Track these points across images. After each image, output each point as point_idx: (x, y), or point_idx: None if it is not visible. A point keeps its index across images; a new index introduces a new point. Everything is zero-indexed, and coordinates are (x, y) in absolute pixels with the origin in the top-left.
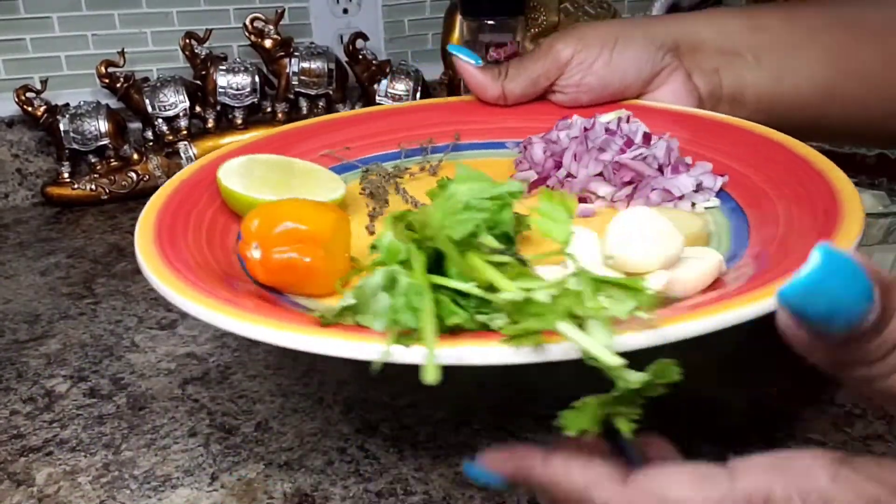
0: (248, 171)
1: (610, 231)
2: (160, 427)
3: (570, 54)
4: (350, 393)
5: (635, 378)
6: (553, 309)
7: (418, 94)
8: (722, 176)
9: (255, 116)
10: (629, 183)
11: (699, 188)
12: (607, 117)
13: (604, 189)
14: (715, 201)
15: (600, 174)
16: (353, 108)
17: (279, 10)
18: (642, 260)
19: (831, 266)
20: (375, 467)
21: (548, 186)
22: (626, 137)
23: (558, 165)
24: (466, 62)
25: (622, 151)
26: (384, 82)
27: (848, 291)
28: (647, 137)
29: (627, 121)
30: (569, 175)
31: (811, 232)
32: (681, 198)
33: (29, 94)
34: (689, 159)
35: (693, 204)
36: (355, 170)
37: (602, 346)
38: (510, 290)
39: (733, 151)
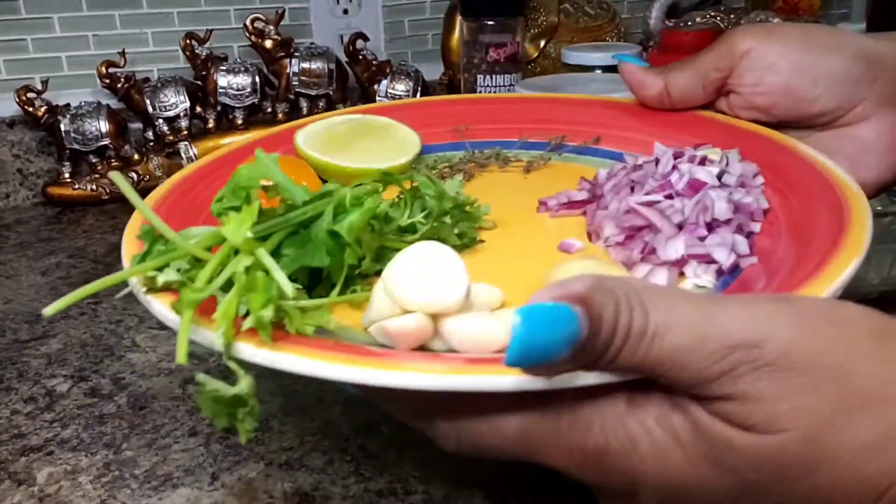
0: (326, 135)
1: (396, 258)
2: (161, 427)
3: (749, 46)
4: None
5: (240, 385)
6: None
7: (418, 95)
8: (748, 256)
9: (255, 117)
10: (638, 230)
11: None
12: (712, 154)
13: (608, 230)
14: (708, 280)
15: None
16: None
17: (279, 11)
18: (404, 295)
19: (533, 323)
20: (375, 467)
21: (582, 213)
22: (665, 180)
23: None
24: (628, 63)
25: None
26: (384, 83)
27: (556, 329)
28: (695, 185)
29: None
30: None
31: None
32: (677, 263)
33: (30, 95)
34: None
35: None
36: (462, 150)
37: (220, 340)
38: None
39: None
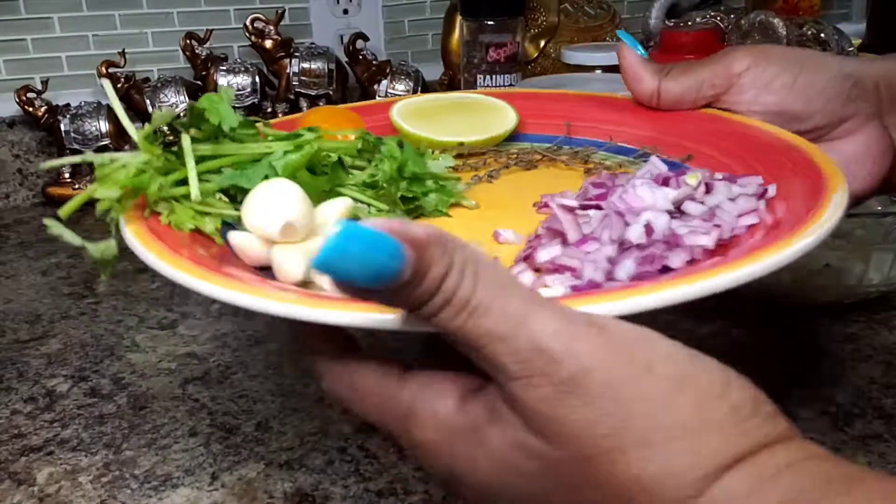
0: (420, 108)
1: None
2: (161, 427)
3: (746, 66)
4: None
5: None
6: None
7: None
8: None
9: (255, 116)
10: (557, 232)
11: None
12: (691, 177)
13: (540, 228)
14: (558, 291)
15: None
16: None
17: (279, 11)
18: (244, 216)
19: (349, 236)
20: (375, 467)
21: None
22: (606, 190)
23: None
24: (629, 49)
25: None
26: (384, 83)
27: (374, 254)
28: (633, 204)
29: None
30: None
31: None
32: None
33: (30, 95)
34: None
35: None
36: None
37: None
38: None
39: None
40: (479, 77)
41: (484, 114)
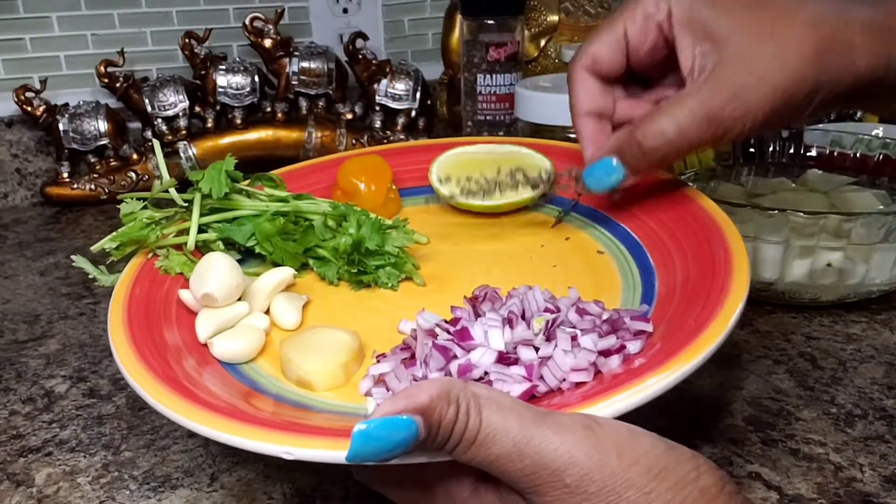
0: (458, 170)
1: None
2: (159, 427)
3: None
4: None
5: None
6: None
7: (418, 94)
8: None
9: (254, 116)
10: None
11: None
12: (537, 322)
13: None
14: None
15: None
16: (353, 107)
17: (279, 10)
18: (191, 285)
19: (368, 431)
20: None
21: None
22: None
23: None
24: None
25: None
26: (384, 82)
27: (393, 435)
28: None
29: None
30: None
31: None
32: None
33: (28, 94)
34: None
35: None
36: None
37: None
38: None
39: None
40: (479, 77)
41: (516, 172)
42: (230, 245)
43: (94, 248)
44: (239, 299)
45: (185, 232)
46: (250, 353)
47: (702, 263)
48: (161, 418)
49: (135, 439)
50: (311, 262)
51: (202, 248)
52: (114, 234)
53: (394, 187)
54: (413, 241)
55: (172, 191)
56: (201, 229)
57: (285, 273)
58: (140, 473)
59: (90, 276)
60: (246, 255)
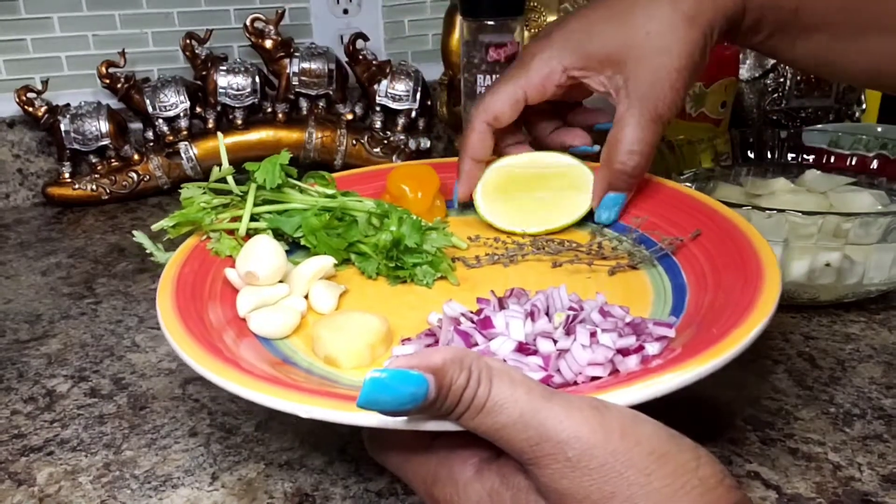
0: (503, 191)
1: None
2: (161, 427)
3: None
4: None
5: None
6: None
7: (418, 95)
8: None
9: (255, 117)
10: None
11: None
12: (558, 317)
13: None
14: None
15: None
16: (353, 108)
17: (279, 11)
18: (237, 264)
19: (381, 378)
20: (375, 467)
21: None
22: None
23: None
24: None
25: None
26: (384, 82)
27: (404, 387)
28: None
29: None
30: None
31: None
32: None
33: (30, 95)
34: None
35: None
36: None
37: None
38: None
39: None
40: (479, 77)
41: (564, 191)
42: (279, 236)
43: (155, 226)
44: (281, 282)
45: (238, 219)
46: (285, 331)
47: (733, 279)
48: (161, 418)
49: (136, 439)
50: (352, 257)
51: (252, 236)
52: (172, 214)
53: (440, 197)
54: (451, 243)
55: (230, 179)
56: (253, 217)
57: (326, 261)
58: (141, 473)
59: (147, 252)
60: (293, 247)
